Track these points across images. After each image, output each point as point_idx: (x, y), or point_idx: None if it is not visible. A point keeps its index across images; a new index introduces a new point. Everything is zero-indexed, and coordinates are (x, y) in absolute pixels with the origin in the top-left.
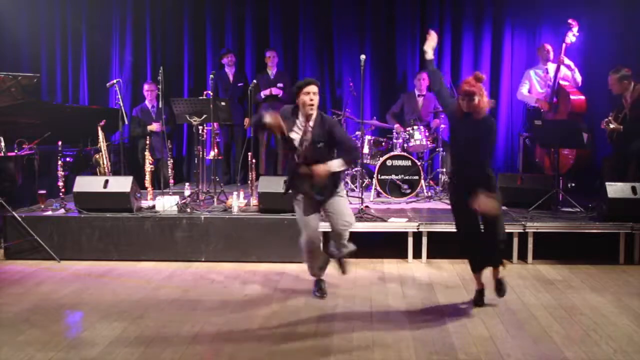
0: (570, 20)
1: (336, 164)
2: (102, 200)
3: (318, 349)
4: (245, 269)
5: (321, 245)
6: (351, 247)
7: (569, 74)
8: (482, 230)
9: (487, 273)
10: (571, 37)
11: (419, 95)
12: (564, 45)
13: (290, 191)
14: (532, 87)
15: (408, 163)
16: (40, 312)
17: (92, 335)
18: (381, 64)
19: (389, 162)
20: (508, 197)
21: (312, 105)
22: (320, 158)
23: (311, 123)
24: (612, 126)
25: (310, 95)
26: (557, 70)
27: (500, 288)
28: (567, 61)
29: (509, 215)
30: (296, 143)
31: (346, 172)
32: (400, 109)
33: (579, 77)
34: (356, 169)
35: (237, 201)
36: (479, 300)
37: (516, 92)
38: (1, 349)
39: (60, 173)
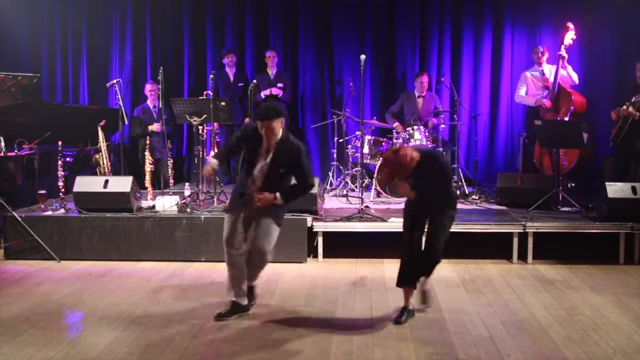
0: (568, 24)
1: (280, 199)
2: (102, 200)
3: (318, 349)
4: None
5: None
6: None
7: (564, 73)
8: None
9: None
10: (569, 39)
11: (418, 96)
12: (562, 47)
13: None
14: (529, 89)
15: None
16: (40, 312)
17: (92, 335)
18: (381, 64)
19: None
20: (508, 197)
21: (267, 137)
22: (274, 182)
23: (272, 147)
24: (630, 109)
25: (264, 130)
26: (557, 71)
27: (425, 297)
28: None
29: (508, 216)
30: (256, 166)
31: (346, 172)
32: (400, 109)
33: (574, 75)
34: (356, 169)
35: None
36: (399, 317)
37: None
38: (1, 349)
39: (60, 173)
